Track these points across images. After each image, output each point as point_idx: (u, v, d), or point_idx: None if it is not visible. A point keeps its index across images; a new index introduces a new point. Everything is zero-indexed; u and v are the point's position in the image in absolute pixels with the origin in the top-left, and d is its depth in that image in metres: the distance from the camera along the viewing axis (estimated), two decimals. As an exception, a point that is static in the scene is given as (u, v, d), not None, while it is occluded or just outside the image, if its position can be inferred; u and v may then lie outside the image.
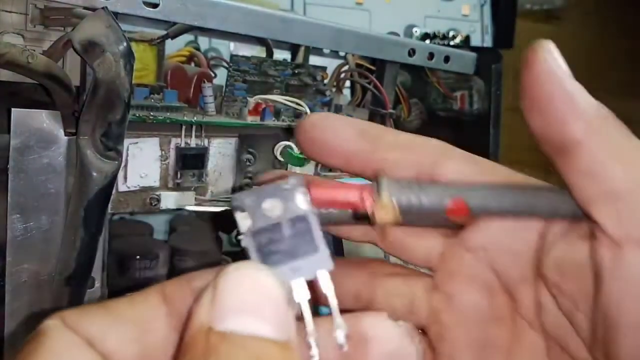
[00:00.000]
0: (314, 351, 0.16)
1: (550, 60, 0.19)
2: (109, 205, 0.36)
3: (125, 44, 0.32)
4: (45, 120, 0.34)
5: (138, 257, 0.53)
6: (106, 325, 0.16)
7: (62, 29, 0.37)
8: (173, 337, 0.16)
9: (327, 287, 0.17)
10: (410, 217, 0.21)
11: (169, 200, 0.43)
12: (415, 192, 0.21)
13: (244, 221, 0.17)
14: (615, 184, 0.18)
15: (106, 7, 0.33)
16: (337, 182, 0.22)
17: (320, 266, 0.17)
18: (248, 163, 0.48)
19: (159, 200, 0.42)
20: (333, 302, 0.17)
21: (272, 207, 0.17)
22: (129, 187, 0.41)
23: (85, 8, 0.35)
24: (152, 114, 0.41)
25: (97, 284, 0.38)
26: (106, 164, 0.33)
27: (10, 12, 0.35)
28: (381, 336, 0.17)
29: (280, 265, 0.17)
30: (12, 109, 0.33)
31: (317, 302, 0.22)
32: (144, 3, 0.37)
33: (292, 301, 0.16)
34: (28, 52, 0.31)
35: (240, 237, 0.17)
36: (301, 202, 0.17)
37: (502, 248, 0.23)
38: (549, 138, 0.20)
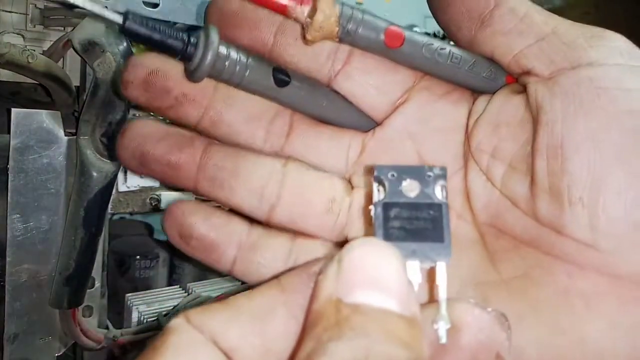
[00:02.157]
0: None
1: None
2: (109, 205, 0.36)
3: (125, 44, 0.32)
4: (45, 120, 0.34)
5: (138, 257, 0.53)
6: (227, 321, 0.16)
7: (62, 29, 0.37)
8: (293, 326, 0.16)
9: (442, 279, 0.17)
10: (349, 31, 0.22)
11: (169, 200, 0.43)
12: (357, 10, 0.22)
13: (378, 193, 0.18)
14: (539, 28, 0.21)
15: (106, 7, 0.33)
16: None
17: (440, 257, 0.17)
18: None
19: (159, 200, 0.42)
20: (443, 294, 0.17)
21: (410, 187, 0.17)
22: (129, 187, 0.41)
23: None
24: (152, 113, 0.41)
25: (97, 284, 0.38)
26: (106, 164, 0.33)
27: (10, 12, 0.35)
28: (472, 324, 0.17)
29: (402, 242, 0.17)
30: (12, 109, 0.33)
31: (270, 221, 0.23)
32: (144, 3, 0.37)
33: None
34: (28, 52, 0.31)
35: (371, 206, 0.17)
36: (440, 192, 0.17)
37: (430, 128, 0.24)
38: (469, 11, 0.22)
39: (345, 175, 0.25)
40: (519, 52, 0.21)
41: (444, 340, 0.16)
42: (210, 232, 0.24)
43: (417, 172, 0.17)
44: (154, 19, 0.21)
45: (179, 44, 0.21)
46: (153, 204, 0.42)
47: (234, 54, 0.22)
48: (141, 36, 0.21)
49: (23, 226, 0.34)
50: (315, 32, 0.22)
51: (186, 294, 0.47)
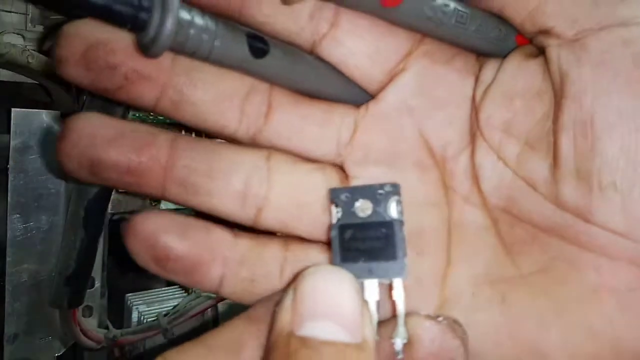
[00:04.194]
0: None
1: None
2: (109, 205, 0.36)
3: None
4: (45, 120, 0.34)
5: (138, 257, 0.53)
6: (202, 358, 0.16)
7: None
8: None
9: (399, 295, 0.17)
10: None
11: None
12: None
13: (335, 214, 0.18)
14: None
15: (106, 7, 0.33)
16: None
17: (396, 274, 0.17)
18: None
19: (159, 201, 0.42)
20: (401, 310, 0.17)
21: (363, 207, 0.17)
22: (129, 187, 0.41)
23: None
24: (152, 113, 0.41)
25: (97, 284, 0.38)
26: (106, 164, 0.33)
27: (10, 12, 0.35)
28: (424, 336, 0.17)
29: (358, 262, 0.17)
30: (12, 109, 0.33)
31: (257, 226, 0.21)
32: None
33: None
34: (28, 52, 0.31)
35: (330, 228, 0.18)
36: (392, 209, 0.17)
37: (432, 101, 0.21)
38: None
39: (336, 160, 0.22)
40: (535, 8, 0.18)
41: (400, 356, 0.17)
42: (190, 250, 0.20)
43: (369, 192, 0.17)
44: None
45: (128, 9, 0.17)
46: (153, 204, 0.42)
47: (198, 20, 0.18)
48: (85, 7, 0.16)
49: (23, 226, 0.34)
50: None
51: (186, 294, 0.47)
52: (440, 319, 0.17)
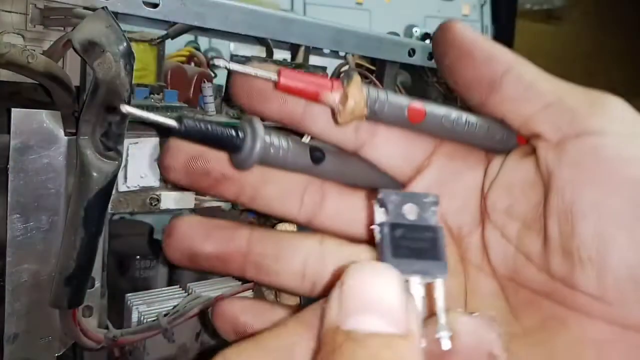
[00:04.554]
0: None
1: (464, 25, 0.24)
2: (109, 205, 0.36)
3: (125, 44, 0.32)
4: (45, 120, 0.34)
5: (138, 257, 0.53)
6: (260, 358, 0.18)
7: (62, 29, 0.37)
8: None
9: (440, 292, 0.19)
10: (375, 111, 0.24)
11: (169, 200, 0.42)
12: (382, 91, 0.24)
13: (380, 214, 0.19)
14: (546, 96, 0.23)
15: (106, 7, 0.33)
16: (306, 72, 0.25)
17: (440, 273, 0.19)
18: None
19: (159, 200, 0.42)
20: (441, 306, 0.18)
21: (410, 211, 0.19)
22: (129, 187, 0.41)
23: (85, 8, 0.35)
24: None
25: (97, 284, 0.38)
26: (106, 164, 0.33)
27: (10, 12, 0.35)
28: (463, 331, 0.18)
29: (407, 259, 0.19)
30: (12, 109, 0.33)
31: (313, 296, 0.26)
32: (144, 3, 0.37)
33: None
34: (28, 52, 0.31)
35: (372, 227, 0.19)
36: (434, 217, 0.19)
37: (449, 190, 0.26)
38: (479, 77, 0.24)
39: None
40: (527, 118, 0.23)
41: (448, 346, 0.18)
42: (264, 327, 0.25)
43: (416, 198, 0.19)
44: (204, 120, 0.22)
45: (229, 139, 0.23)
46: (153, 204, 0.42)
47: (276, 140, 0.24)
48: (196, 137, 0.22)
49: (23, 226, 0.34)
50: (346, 116, 0.23)
51: (186, 294, 0.47)
52: (475, 314, 0.19)
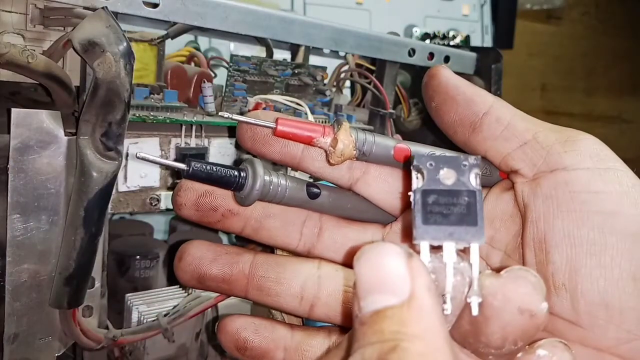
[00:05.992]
0: (447, 305, 0.19)
1: (449, 71, 0.26)
2: (109, 205, 0.36)
3: (125, 44, 0.32)
4: (45, 120, 0.34)
5: (138, 257, 0.53)
6: None
7: (62, 29, 0.37)
8: None
9: (475, 258, 0.19)
10: (364, 152, 0.26)
11: (169, 200, 0.43)
12: (370, 134, 0.26)
13: (417, 180, 0.20)
14: (522, 134, 0.25)
15: (106, 7, 0.33)
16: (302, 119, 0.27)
17: (475, 239, 0.19)
18: (248, 163, 0.48)
19: (159, 200, 0.42)
20: (476, 272, 0.19)
21: (447, 175, 0.19)
22: (129, 187, 0.41)
23: (85, 8, 0.35)
24: (152, 114, 0.41)
25: (97, 284, 0.38)
26: (106, 164, 0.33)
27: (10, 12, 0.35)
28: (488, 294, 0.19)
29: (439, 225, 0.19)
30: (12, 109, 0.33)
31: (310, 317, 0.29)
32: (144, 3, 0.37)
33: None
34: (28, 52, 0.31)
35: (410, 193, 0.20)
36: (474, 180, 0.19)
37: None
38: (462, 119, 0.26)
39: None
40: (506, 155, 0.25)
41: (475, 312, 0.19)
42: (262, 342, 0.28)
43: (453, 161, 0.19)
44: (209, 162, 0.25)
45: (232, 179, 0.26)
46: (153, 204, 0.42)
47: (275, 179, 0.27)
48: (202, 177, 0.25)
49: (23, 226, 0.34)
50: (337, 157, 0.26)
51: (186, 294, 0.47)
52: (503, 272, 0.19)
